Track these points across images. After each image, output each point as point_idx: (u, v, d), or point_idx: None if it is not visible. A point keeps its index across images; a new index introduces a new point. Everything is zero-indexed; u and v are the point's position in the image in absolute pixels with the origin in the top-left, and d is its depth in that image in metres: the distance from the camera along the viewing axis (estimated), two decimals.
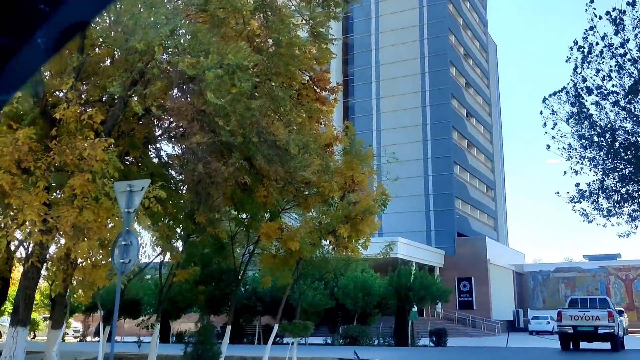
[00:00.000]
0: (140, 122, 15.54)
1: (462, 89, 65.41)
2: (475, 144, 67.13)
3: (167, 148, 28.38)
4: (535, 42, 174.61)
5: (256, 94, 12.84)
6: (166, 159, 17.25)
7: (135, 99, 10.15)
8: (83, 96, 11.98)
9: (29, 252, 11.36)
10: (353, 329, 30.15)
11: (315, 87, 15.57)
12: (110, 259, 11.54)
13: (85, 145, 10.54)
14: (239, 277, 18.95)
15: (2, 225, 10.76)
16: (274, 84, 13.30)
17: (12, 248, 21.39)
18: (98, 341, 36.12)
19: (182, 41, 9.80)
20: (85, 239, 10.89)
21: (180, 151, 16.71)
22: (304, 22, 12.86)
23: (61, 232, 10.75)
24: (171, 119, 12.12)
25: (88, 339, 42.18)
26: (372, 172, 15.93)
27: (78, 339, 43.48)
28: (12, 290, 25.67)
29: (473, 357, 21.66)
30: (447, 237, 56.23)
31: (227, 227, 18.76)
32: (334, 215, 15.73)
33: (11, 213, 10.54)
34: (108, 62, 13.25)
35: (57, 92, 14.15)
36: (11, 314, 12.23)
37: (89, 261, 11.01)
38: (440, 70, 60.79)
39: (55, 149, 10.79)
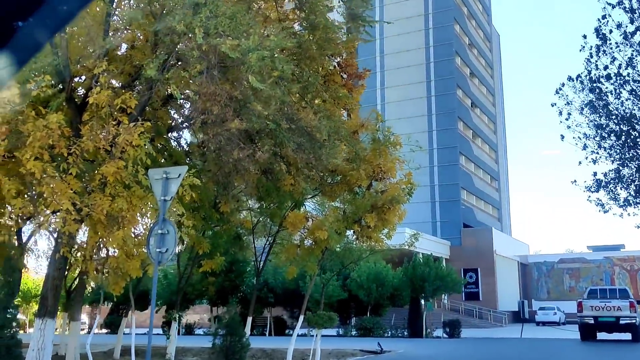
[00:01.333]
0: (163, 108, 15.17)
1: (467, 79, 65.04)
2: (480, 134, 66.84)
3: (187, 136, 27.99)
4: (537, 33, 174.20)
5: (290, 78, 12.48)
6: (186, 147, 16.91)
7: (172, 82, 9.74)
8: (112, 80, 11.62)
9: (58, 242, 10.99)
10: (367, 320, 29.90)
11: (342, 73, 15.22)
12: (143, 249, 11.22)
13: (120, 130, 10.17)
14: (259, 268, 18.65)
15: (35, 214, 10.42)
16: (306, 68, 12.94)
17: (24, 239, 21.05)
18: (106, 333, 35.83)
19: (222, 23, 9.40)
20: (120, 228, 10.56)
21: (201, 139, 16.38)
22: (338, 4, 12.49)
23: (94, 221, 10.42)
24: (197, 105, 11.71)
25: (95, 331, 41.80)
26: (400, 160, 15.57)
27: (85, 331, 43.10)
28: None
29: (497, 349, 21.42)
30: (453, 228, 56.01)
31: (246, 217, 18.47)
32: (361, 203, 15.40)
33: (42, 201, 10.18)
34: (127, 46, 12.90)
35: (78, 78, 13.80)
36: (38, 305, 11.89)
37: (122, 251, 10.64)
38: (445, 60, 60.39)
39: (87, 134, 10.42)
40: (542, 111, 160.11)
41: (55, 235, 11.61)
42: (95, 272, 10.88)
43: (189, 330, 36.67)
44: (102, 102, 10.47)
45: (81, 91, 13.53)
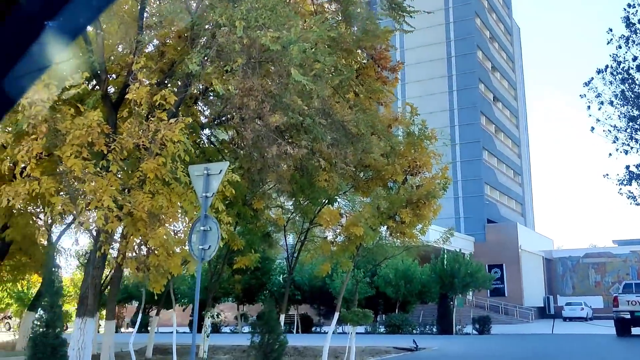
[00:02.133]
0: (196, 105, 15.06)
1: (489, 73, 64.39)
2: (502, 128, 66.17)
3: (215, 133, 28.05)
4: (557, 25, 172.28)
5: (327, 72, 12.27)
6: (216, 144, 16.79)
7: (214, 77, 9.59)
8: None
9: (99, 240, 10.90)
10: (395, 317, 29.66)
11: (376, 66, 14.99)
12: (184, 246, 11.10)
13: (160, 126, 10.05)
14: (292, 266, 18.49)
15: (75, 212, 10.33)
16: (343, 61, 12.74)
17: (54, 238, 21.08)
18: (131, 333, 35.97)
19: (263, 15, 9.22)
20: (160, 226, 10.44)
21: (231, 136, 16.25)
22: None
23: (136, 219, 10.31)
24: (234, 101, 11.54)
25: (122, 330, 42.02)
26: (435, 154, 15.31)
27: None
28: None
29: (536, 346, 21.06)
30: (477, 224, 55.49)
31: (277, 214, 18.32)
32: (396, 199, 15.16)
33: (83, 200, 10.08)
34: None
35: (111, 76, 13.72)
36: (77, 304, 11.82)
37: (163, 248, 10.52)
38: (467, 54, 59.80)
39: (126, 131, 10.31)
40: (563, 104, 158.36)
41: (94, 233, 11.53)
42: (136, 271, 10.77)
43: (215, 328, 36.71)
44: (140, 99, 10.36)
45: (112, 88, 13.48)
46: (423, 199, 15.30)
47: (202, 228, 9.92)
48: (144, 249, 10.84)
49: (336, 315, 16.31)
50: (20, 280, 20.26)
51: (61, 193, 10.56)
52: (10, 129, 10.33)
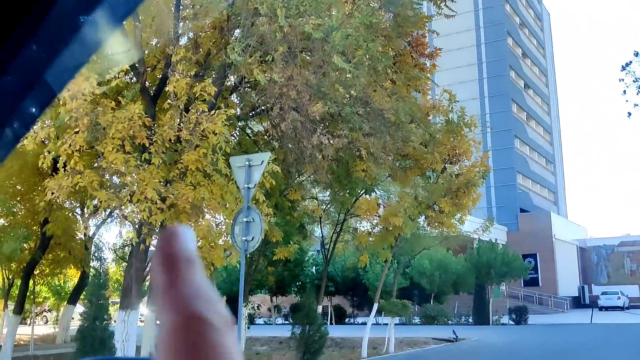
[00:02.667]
0: (231, 97, 14.97)
1: (519, 60, 63.34)
2: (534, 116, 65.11)
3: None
4: (587, 10, 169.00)
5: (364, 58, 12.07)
6: (251, 136, 16.68)
7: (255, 67, 9.46)
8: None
9: (141, 233, 10.88)
10: (431, 308, 29.41)
11: (413, 53, 14.73)
12: (226, 238, 11.04)
13: (202, 118, 9.97)
14: (328, 257, 18.35)
15: (119, 206, 10.33)
16: (380, 48, 12.50)
17: (91, 233, 21.25)
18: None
19: (304, 2, 9.05)
20: (203, 218, 10.40)
21: (266, 128, 16.14)
22: None
23: (179, 211, 10.27)
24: (274, 91, 11.39)
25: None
26: (475, 142, 15.03)
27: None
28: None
29: (578, 336, 20.67)
30: (510, 213, 54.76)
31: (313, 205, 18.17)
32: (436, 188, 14.94)
33: (126, 192, 10.06)
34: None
35: (148, 69, 13.67)
36: (120, 297, 11.86)
37: (206, 240, 10.46)
38: (497, 41, 58.87)
39: (167, 123, 10.26)
40: (594, 90, 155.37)
41: (137, 226, 11.51)
42: None
43: (250, 319, 36.86)
44: (180, 90, 10.29)
45: (148, 82, 13.44)
46: (463, 188, 15.06)
47: (244, 219, 9.82)
48: None
49: (375, 306, 16.19)
50: (58, 274, 20.48)
51: (103, 187, 10.56)
52: (51, 122, 10.34)
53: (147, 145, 10.18)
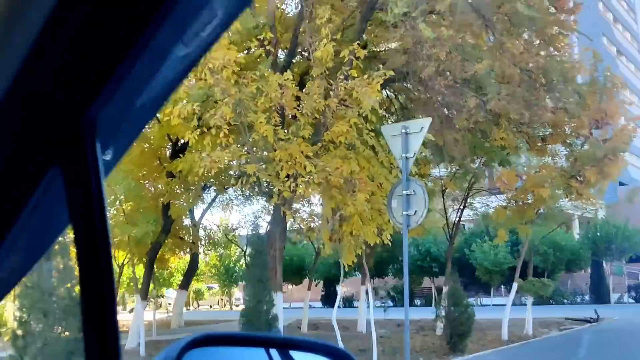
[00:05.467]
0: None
1: (611, 25, 59.78)
2: (629, 84, 61.38)
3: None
4: None
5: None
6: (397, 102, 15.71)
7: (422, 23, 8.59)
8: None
9: (283, 212, 10.28)
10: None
11: (552, 8, 13.46)
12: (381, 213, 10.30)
13: (355, 84, 9.21)
14: (452, 235, 17.37)
15: (269, 182, 9.76)
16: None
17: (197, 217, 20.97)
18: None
19: None
20: (356, 192, 9.67)
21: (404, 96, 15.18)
22: None
23: (331, 185, 9.59)
24: (422, 53, 10.49)
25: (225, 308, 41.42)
26: (626, 103, 13.67)
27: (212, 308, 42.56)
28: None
29: None
30: (609, 185, 51.86)
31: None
32: (582, 155, 13.70)
33: (277, 166, 9.45)
34: None
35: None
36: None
37: (358, 216, 9.74)
38: (588, 6, 55.62)
39: (316, 91, 9.55)
40: None
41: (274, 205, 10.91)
42: (329, 241, 10.09)
43: (347, 302, 36.27)
44: (326, 56, 9.55)
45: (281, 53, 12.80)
46: (610, 155, 13.74)
47: (404, 192, 9.01)
48: (336, 218, 10.09)
49: (514, 285, 15.18)
50: (174, 259, 20.46)
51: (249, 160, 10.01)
52: (194, 92, 9.81)
53: (297, 116, 9.55)
